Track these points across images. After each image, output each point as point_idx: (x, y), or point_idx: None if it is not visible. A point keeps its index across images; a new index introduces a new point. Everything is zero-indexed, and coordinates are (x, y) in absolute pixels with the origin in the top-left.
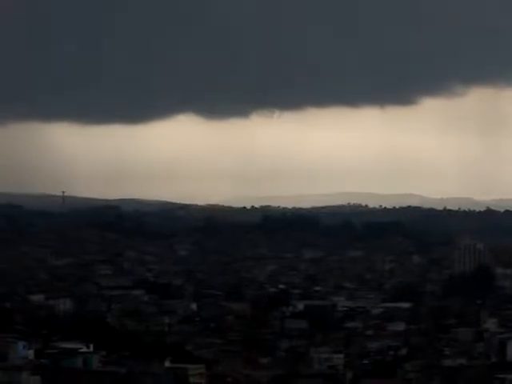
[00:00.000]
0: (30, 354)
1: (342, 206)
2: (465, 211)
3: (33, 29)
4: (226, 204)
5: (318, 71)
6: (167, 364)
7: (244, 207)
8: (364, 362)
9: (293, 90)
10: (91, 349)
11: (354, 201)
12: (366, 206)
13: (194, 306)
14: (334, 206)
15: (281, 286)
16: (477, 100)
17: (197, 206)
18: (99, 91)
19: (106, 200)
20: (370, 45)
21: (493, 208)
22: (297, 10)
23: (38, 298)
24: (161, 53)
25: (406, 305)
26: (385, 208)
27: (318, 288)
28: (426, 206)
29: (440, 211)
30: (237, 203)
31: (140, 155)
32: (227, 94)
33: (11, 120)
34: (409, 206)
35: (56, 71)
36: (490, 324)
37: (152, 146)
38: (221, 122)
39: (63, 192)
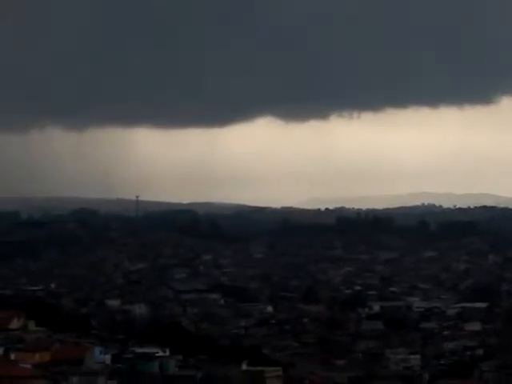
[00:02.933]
0: (107, 358)
1: (417, 207)
2: None
3: (110, 31)
4: (301, 206)
5: (396, 71)
6: (244, 367)
7: (318, 209)
8: (440, 362)
9: (372, 90)
10: (167, 353)
11: (428, 201)
12: (441, 206)
13: (269, 309)
14: (408, 207)
15: (356, 288)
16: None
17: (272, 208)
18: (178, 95)
19: (181, 204)
20: (449, 43)
21: None
22: (373, 9)
23: (114, 302)
24: (240, 55)
25: (481, 305)
26: (459, 208)
27: (393, 289)
28: (501, 205)
29: None
30: (311, 205)
31: (217, 159)
32: (306, 95)
33: (91, 125)
34: (484, 206)
35: (135, 74)
36: None
37: (229, 149)
38: (300, 124)
39: (137, 197)
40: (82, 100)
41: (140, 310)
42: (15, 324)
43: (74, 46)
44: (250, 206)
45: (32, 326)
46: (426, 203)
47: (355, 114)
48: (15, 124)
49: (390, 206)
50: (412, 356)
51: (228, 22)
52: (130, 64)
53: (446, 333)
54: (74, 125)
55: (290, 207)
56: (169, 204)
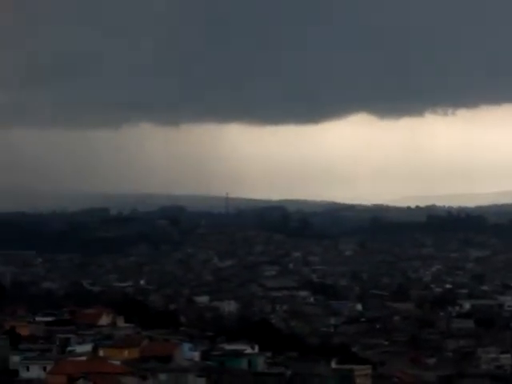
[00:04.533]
0: (196, 355)
1: (509, 205)
2: None
3: (213, 31)
4: (392, 204)
5: (493, 68)
6: (333, 365)
7: (409, 207)
8: None
9: (467, 87)
10: (256, 350)
11: None
12: None
13: (359, 307)
14: (500, 205)
15: (447, 286)
16: None
17: (362, 206)
18: (273, 91)
19: (271, 201)
20: None
21: None
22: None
23: (203, 299)
24: (334, 53)
25: None
26: None
27: (484, 287)
28: None
29: None
30: (402, 203)
31: (309, 155)
32: (401, 92)
33: (185, 121)
34: None
35: (229, 71)
36: None
37: (322, 146)
38: (394, 121)
39: (227, 193)
40: (178, 95)
41: (229, 306)
42: (104, 320)
43: (176, 43)
44: (340, 204)
45: (121, 322)
46: None
47: (450, 111)
48: (109, 119)
49: (482, 204)
50: (503, 355)
51: (318, 19)
52: (228, 61)
53: None
54: (168, 120)
55: (381, 205)
56: (259, 201)
